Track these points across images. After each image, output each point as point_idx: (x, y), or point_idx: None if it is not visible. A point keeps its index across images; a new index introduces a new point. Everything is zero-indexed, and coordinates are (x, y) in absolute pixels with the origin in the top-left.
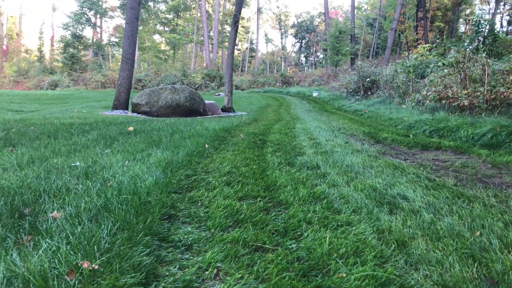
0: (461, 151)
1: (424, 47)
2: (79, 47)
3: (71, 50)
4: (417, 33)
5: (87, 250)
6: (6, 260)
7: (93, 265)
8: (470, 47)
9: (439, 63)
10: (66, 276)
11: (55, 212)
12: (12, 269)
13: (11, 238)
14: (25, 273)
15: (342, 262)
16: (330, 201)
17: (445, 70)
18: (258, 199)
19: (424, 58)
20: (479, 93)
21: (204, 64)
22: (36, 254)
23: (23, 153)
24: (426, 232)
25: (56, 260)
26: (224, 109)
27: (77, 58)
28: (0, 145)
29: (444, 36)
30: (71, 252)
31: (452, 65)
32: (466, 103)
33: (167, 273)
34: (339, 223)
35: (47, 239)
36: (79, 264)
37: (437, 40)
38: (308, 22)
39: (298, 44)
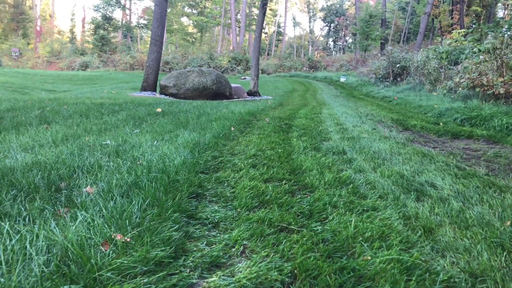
0: (494, 141)
1: (459, 32)
2: (109, 28)
3: (101, 31)
4: (452, 18)
5: (120, 224)
6: (45, 229)
7: (126, 238)
8: (509, 33)
9: (475, 49)
10: (101, 247)
11: (88, 187)
12: (51, 237)
13: (49, 209)
14: (64, 241)
15: (367, 246)
16: (356, 186)
17: (481, 57)
18: (284, 182)
19: (459, 43)
20: None
21: (231, 47)
22: (74, 225)
23: (57, 130)
24: (454, 220)
25: (91, 231)
26: (250, 93)
27: (107, 39)
28: (36, 123)
29: (481, 21)
30: (105, 225)
31: (489, 52)
32: (501, 91)
33: (195, 249)
34: (365, 208)
35: (82, 212)
36: (113, 236)
37: (473, 25)
38: (338, 5)
39: (327, 28)
